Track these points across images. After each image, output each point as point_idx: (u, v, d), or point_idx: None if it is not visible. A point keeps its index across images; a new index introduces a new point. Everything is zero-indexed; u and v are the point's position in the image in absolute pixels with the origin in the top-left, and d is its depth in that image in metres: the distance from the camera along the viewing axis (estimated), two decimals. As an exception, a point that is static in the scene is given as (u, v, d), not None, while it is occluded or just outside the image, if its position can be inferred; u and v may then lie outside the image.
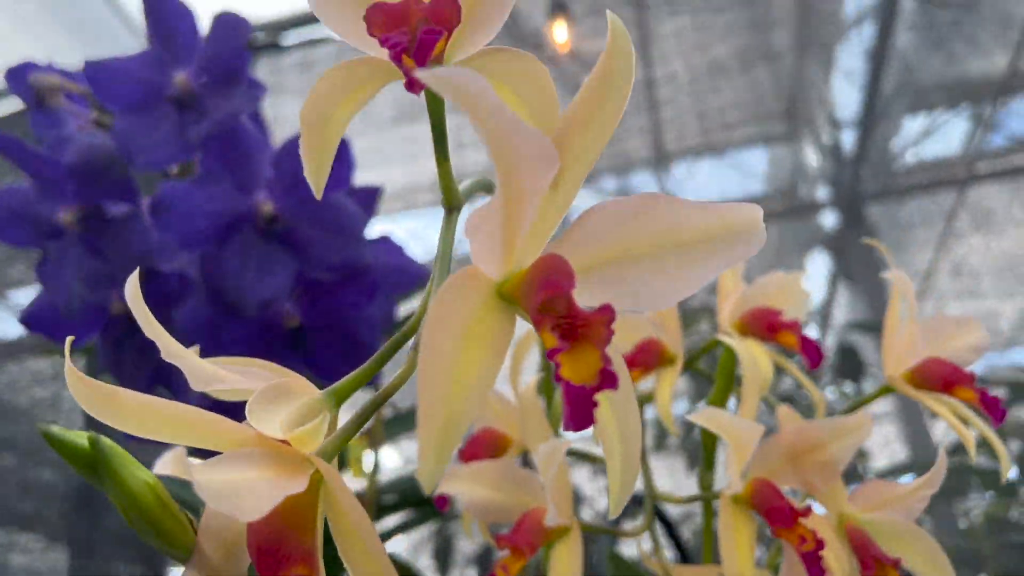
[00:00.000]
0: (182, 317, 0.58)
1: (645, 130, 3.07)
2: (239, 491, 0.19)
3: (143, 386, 0.61)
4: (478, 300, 0.22)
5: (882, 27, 2.45)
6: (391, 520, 0.79)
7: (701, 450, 0.48)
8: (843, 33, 2.60)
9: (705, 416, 0.39)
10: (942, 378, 0.43)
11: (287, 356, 0.62)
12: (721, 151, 3.26)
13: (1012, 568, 1.11)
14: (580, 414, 0.19)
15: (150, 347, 0.61)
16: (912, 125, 2.95)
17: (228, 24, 0.58)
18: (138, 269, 0.28)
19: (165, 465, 0.18)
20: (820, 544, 0.38)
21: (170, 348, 0.27)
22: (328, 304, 0.61)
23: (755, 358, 0.44)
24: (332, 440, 0.24)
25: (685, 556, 0.81)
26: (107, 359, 0.62)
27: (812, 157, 3.38)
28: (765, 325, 0.46)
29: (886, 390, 0.46)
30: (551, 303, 0.20)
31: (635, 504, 0.75)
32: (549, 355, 0.20)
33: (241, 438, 0.24)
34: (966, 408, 0.44)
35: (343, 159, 0.59)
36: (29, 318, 0.61)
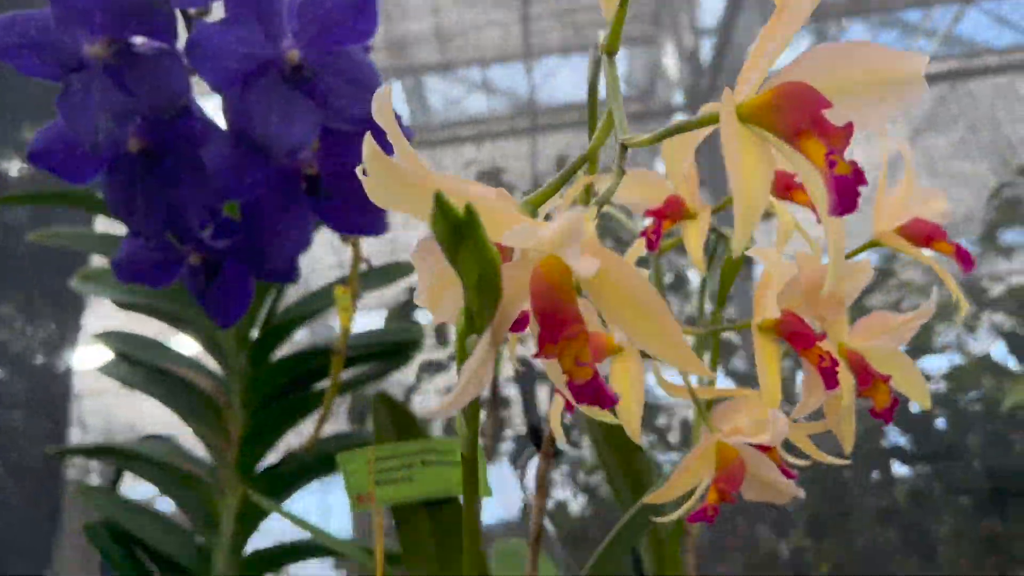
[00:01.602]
0: (209, 157, 0.59)
1: (511, 23, 3.08)
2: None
3: (154, 228, 0.62)
4: (734, 119, 0.27)
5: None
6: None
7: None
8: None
9: (758, 251, 0.47)
10: (925, 234, 0.52)
11: (301, 200, 0.64)
12: (587, 50, 3.31)
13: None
14: (847, 201, 0.25)
15: (162, 188, 0.62)
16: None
17: None
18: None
19: (555, 231, 0.23)
20: (835, 362, 0.47)
21: (413, 164, 0.30)
22: (344, 154, 0.63)
23: (780, 209, 0.51)
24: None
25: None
26: (116, 199, 0.62)
27: (672, 61, 3.51)
28: (783, 184, 0.53)
29: (874, 243, 0.55)
30: (813, 120, 0.26)
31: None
32: (826, 156, 0.26)
33: (513, 221, 0.28)
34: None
35: (368, 15, 0.61)
36: (35, 154, 0.60)
